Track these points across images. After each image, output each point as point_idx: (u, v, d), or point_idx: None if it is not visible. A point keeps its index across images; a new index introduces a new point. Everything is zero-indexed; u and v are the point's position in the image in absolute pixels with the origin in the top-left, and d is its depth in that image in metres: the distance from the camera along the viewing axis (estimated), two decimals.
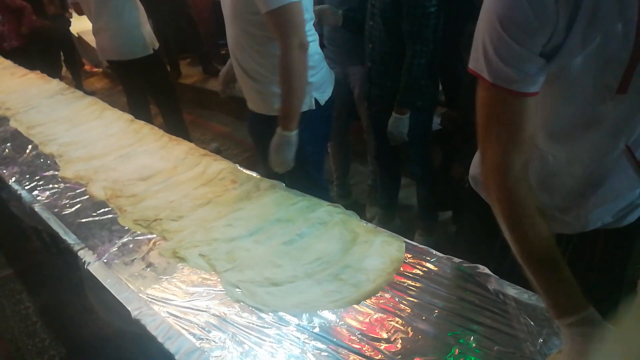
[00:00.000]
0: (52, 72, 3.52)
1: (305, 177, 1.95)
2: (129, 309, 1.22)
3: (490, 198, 0.97)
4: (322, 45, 2.73)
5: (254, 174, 1.81)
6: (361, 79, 2.55)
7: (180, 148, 2.07)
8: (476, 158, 1.33)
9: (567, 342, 0.90)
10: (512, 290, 1.14)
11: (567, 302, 0.89)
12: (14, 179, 1.98)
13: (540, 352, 0.99)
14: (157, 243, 1.49)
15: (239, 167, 1.86)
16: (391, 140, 2.33)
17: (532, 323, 1.06)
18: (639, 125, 1.00)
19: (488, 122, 0.93)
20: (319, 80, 1.87)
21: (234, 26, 1.77)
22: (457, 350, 1.01)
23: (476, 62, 0.91)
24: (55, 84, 3.11)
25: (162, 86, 3.43)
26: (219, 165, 1.88)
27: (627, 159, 1.09)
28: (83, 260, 1.43)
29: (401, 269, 1.27)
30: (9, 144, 2.31)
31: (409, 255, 1.31)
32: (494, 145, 0.93)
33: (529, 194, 0.93)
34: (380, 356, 1.02)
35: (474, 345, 1.02)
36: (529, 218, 0.91)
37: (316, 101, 1.87)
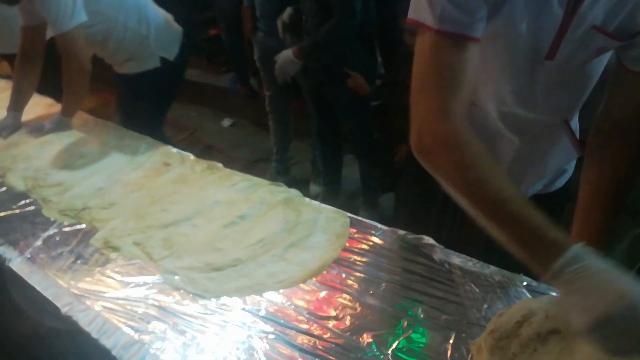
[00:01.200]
0: None
1: (145, 126, 2.05)
2: (58, 305, 1.13)
3: (430, 158, 0.88)
4: (255, 18, 2.65)
5: (190, 156, 1.73)
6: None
7: (107, 131, 1.94)
8: None
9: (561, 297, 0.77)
10: (456, 259, 1.15)
11: (546, 251, 0.74)
12: None
13: (485, 317, 1.00)
14: (87, 233, 1.39)
15: (172, 149, 1.77)
16: (277, 76, 2.31)
17: (477, 290, 1.06)
18: (573, 98, 1.02)
19: (426, 73, 0.88)
20: (162, 41, 2.14)
21: None
22: (405, 322, 1.01)
23: (417, 11, 0.88)
24: None
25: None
26: (150, 148, 1.78)
27: (566, 134, 1.12)
28: (3, 257, 1.31)
29: (347, 244, 1.24)
30: None
31: (353, 231, 1.29)
32: (431, 95, 0.87)
33: (475, 137, 0.84)
34: (329, 334, 1.00)
35: (422, 316, 1.02)
36: (481, 158, 0.82)
37: (163, 59, 2.15)
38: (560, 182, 1.26)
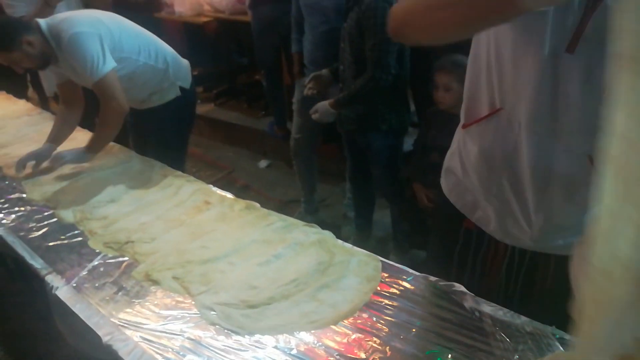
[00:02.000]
0: (18, 92, 3.43)
1: (169, 157, 2.20)
2: (100, 334, 1.19)
3: (400, 32, 0.95)
4: (303, 65, 2.78)
5: (228, 195, 1.80)
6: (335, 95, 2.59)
7: (152, 168, 2.04)
8: (451, 149, 1.32)
9: None
10: (487, 307, 1.16)
11: None
12: None
13: None
14: (129, 266, 1.45)
15: (213, 188, 1.84)
16: (313, 117, 2.40)
17: (507, 340, 1.07)
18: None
19: None
20: (178, 72, 2.32)
21: None
22: None
23: None
24: (21, 104, 3.04)
25: None
26: (191, 186, 1.86)
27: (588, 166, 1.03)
28: (50, 285, 1.38)
29: (378, 288, 1.27)
30: None
31: (385, 275, 1.31)
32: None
33: None
34: None
35: None
36: None
37: (181, 88, 2.32)
38: None
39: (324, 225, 1.56)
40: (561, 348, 1.03)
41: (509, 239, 1.21)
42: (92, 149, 2.08)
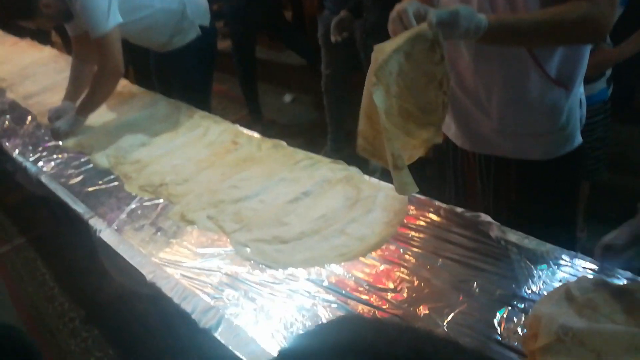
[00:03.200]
0: (42, 38, 3.45)
1: (195, 98, 2.23)
2: (143, 273, 1.27)
3: None
4: None
5: (255, 134, 1.82)
6: (360, 29, 2.52)
7: (179, 110, 2.07)
8: None
9: None
10: (513, 236, 1.18)
11: None
12: (17, 150, 2.00)
13: (538, 294, 1.03)
14: (165, 207, 1.52)
15: (240, 128, 1.87)
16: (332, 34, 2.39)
17: (532, 266, 1.10)
18: None
19: None
20: (196, 10, 2.25)
21: None
22: (460, 296, 1.06)
23: None
24: (47, 51, 3.07)
25: None
26: (219, 127, 1.89)
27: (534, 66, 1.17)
28: (94, 229, 1.47)
29: (405, 220, 1.30)
30: (8, 116, 2.31)
31: (411, 207, 1.34)
32: None
33: None
34: (387, 305, 1.07)
35: (477, 290, 1.06)
36: None
37: (201, 27, 2.27)
38: (553, 150, 1.28)
39: (350, 160, 1.58)
40: (582, 272, 1.06)
41: (471, 140, 1.36)
42: (84, 112, 2.06)
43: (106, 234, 1.44)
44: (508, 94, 1.22)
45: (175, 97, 2.26)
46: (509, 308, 1.01)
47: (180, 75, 2.39)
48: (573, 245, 1.18)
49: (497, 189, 1.38)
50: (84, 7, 1.86)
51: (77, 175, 1.76)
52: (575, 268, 1.07)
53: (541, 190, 1.33)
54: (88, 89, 2.07)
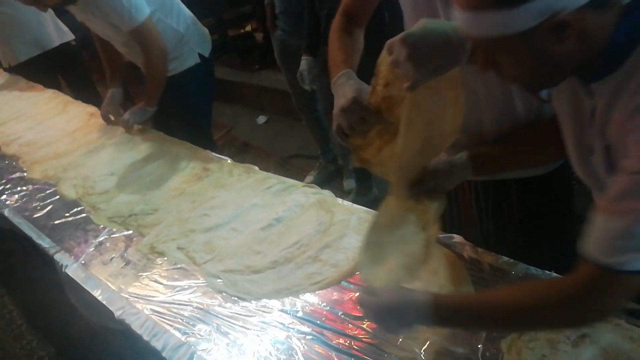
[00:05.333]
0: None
1: (195, 126, 2.21)
2: (112, 309, 1.22)
3: None
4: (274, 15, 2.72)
5: (228, 160, 1.80)
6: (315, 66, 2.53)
7: (148, 137, 2.03)
8: None
9: None
10: (487, 257, 1.17)
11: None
12: None
13: None
14: (135, 239, 1.48)
15: (211, 154, 1.84)
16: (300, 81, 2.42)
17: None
18: None
19: None
20: (198, 37, 2.21)
21: None
22: None
23: None
24: (12, 79, 2.99)
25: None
26: (189, 153, 1.86)
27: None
28: (60, 264, 1.41)
29: None
30: None
31: None
32: None
33: None
34: (363, 334, 1.05)
35: None
36: None
37: (201, 55, 2.21)
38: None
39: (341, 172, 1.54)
40: None
41: None
42: (151, 101, 2.06)
43: (72, 269, 1.39)
44: (500, 122, 1.15)
45: (174, 127, 2.21)
46: (486, 333, 1.00)
47: (178, 102, 2.27)
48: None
49: (497, 211, 1.30)
50: (112, 1, 1.82)
51: (43, 208, 1.70)
52: None
53: (543, 205, 1.28)
54: (147, 81, 2.07)
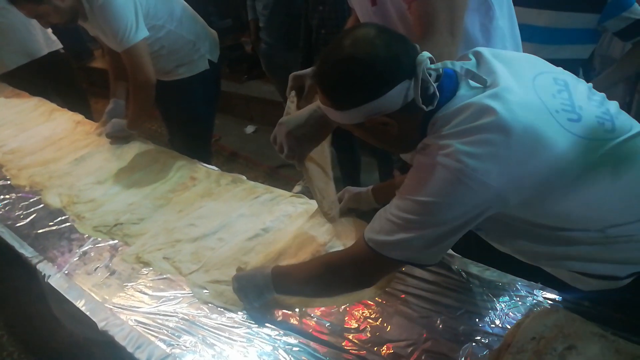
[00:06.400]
0: None
1: (196, 134, 2.18)
2: (95, 320, 1.20)
3: None
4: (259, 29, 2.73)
5: (214, 169, 1.79)
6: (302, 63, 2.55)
7: (135, 146, 2.02)
8: None
9: None
10: (474, 268, 1.18)
11: None
12: None
13: (502, 327, 1.02)
14: (120, 249, 1.46)
15: (198, 163, 1.83)
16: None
17: (494, 299, 1.09)
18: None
19: None
20: (208, 43, 2.19)
21: None
22: (424, 333, 1.04)
23: None
24: None
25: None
26: (177, 162, 1.84)
27: None
28: (43, 274, 1.39)
29: None
30: None
31: None
32: None
33: None
34: (350, 346, 1.04)
35: (440, 327, 1.05)
36: None
37: (210, 61, 2.18)
38: None
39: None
40: (546, 304, 1.05)
41: None
42: (134, 125, 2.02)
43: (55, 279, 1.36)
44: None
45: (175, 129, 2.21)
46: (473, 344, 1.00)
47: (183, 106, 2.27)
48: None
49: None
50: (110, 18, 1.77)
51: (26, 217, 1.67)
52: (536, 299, 1.07)
53: None
54: (129, 104, 2.02)
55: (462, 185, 0.81)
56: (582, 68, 1.72)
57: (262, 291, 1.10)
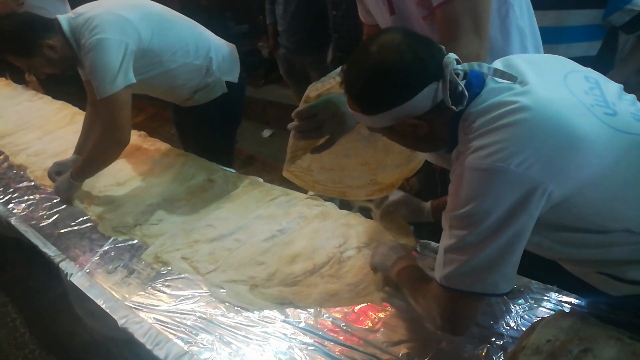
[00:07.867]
0: (16, 76, 3.41)
1: (213, 157, 2.00)
2: (116, 318, 1.23)
3: None
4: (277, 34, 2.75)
5: (232, 171, 1.81)
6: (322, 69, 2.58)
7: (155, 148, 2.05)
8: None
9: None
10: None
11: None
12: None
13: (517, 329, 1.03)
14: (139, 248, 1.49)
15: (215, 165, 1.86)
16: None
17: (509, 301, 1.09)
18: None
19: None
20: (223, 65, 2.01)
21: None
22: (439, 333, 1.04)
23: None
24: (21, 90, 3.04)
25: None
26: (194, 165, 1.88)
27: None
28: (65, 272, 1.42)
29: None
30: None
31: None
32: None
33: None
34: (365, 346, 1.05)
35: None
36: None
37: (229, 83, 2.03)
38: None
39: None
40: (560, 307, 1.05)
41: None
42: (80, 177, 1.77)
43: (77, 278, 1.40)
44: None
45: (192, 151, 2.05)
46: (488, 345, 1.00)
47: (200, 132, 2.12)
48: None
49: None
50: (93, 63, 1.61)
51: (49, 217, 1.71)
52: (552, 302, 1.07)
53: None
54: (86, 152, 1.81)
55: (496, 180, 0.80)
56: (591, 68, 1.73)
57: (388, 260, 1.15)
